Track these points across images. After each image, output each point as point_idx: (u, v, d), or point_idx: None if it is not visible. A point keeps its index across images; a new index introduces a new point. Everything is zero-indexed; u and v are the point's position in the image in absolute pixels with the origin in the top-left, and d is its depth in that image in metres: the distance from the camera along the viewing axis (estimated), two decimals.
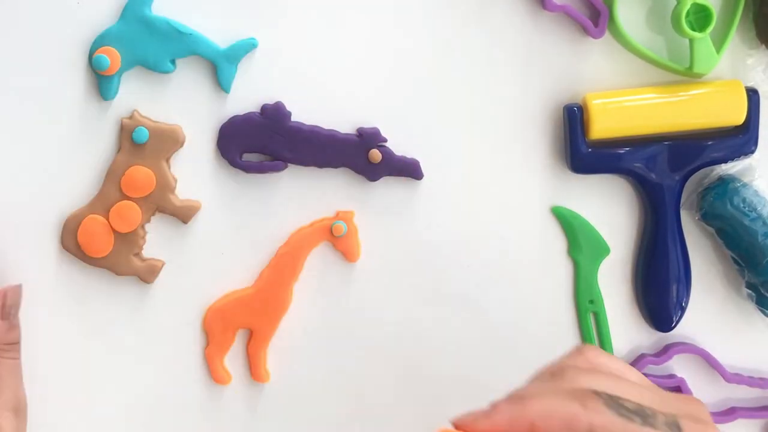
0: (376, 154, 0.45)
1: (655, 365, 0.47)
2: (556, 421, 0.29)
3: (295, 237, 0.46)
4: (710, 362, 0.47)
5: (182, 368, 0.47)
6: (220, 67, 0.44)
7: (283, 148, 0.45)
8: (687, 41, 0.44)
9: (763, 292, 0.45)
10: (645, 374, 0.47)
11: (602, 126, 0.44)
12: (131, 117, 0.45)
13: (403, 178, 0.46)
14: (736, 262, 0.46)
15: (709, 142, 0.45)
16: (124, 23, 0.44)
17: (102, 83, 0.44)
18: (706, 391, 0.47)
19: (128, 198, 0.45)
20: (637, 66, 0.46)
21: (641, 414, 0.29)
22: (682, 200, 0.46)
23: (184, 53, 0.44)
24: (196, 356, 0.47)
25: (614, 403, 0.29)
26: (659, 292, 0.46)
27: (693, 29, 0.43)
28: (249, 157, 0.46)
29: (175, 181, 0.45)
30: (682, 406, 0.30)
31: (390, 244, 0.46)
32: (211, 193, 0.46)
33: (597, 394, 0.30)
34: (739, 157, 0.45)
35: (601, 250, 0.47)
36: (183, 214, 0.46)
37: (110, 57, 0.43)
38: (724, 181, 0.45)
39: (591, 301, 0.47)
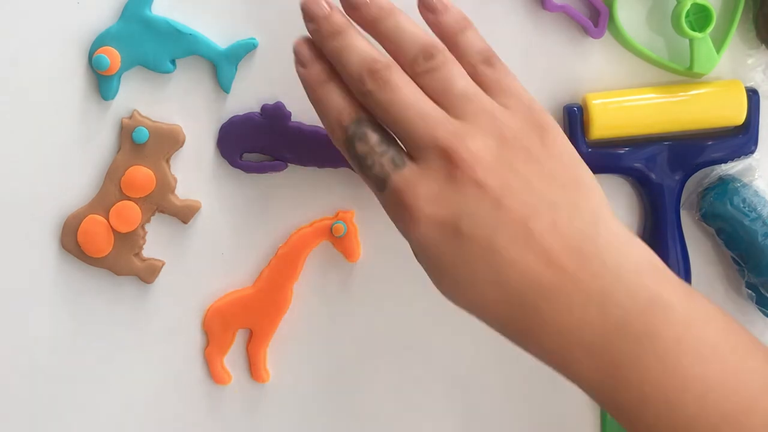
0: None
1: None
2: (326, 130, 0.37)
3: (295, 237, 0.46)
4: None
5: (182, 368, 0.47)
6: (220, 67, 0.44)
7: (283, 148, 0.45)
8: (687, 41, 0.44)
9: (763, 292, 0.45)
10: None
11: (602, 126, 0.44)
12: (131, 117, 0.45)
13: None
14: (736, 262, 0.46)
15: (709, 142, 0.45)
16: (124, 23, 0.44)
17: (102, 83, 0.44)
18: None
19: (128, 198, 0.45)
20: (637, 66, 0.46)
21: (362, 161, 0.35)
22: (682, 200, 0.46)
23: (184, 53, 0.44)
24: (196, 356, 0.47)
25: (350, 140, 0.36)
26: None
27: (693, 29, 0.43)
28: (249, 157, 0.46)
29: (175, 181, 0.45)
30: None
31: (390, 244, 0.46)
32: (211, 193, 0.46)
33: (350, 125, 0.36)
34: (739, 157, 0.45)
35: None
36: (183, 214, 0.46)
37: (110, 57, 0.43)
38: (724, 181, 0.45)
39: None
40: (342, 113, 0.36)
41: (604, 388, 0.34)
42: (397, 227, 0.36)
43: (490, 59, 0.37)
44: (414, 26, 0.37)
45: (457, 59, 0.37)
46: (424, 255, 0.35)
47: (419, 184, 0.34)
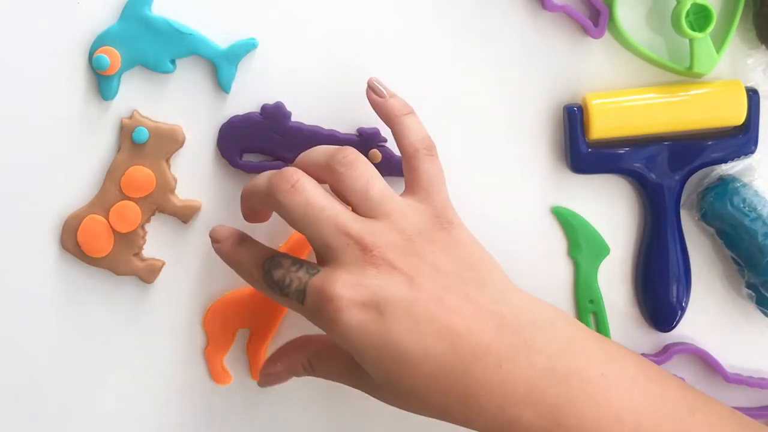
0: (376, 154, 0.45)
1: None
2: (244, 278, 0.40)
3: (295, 237, 0.46)
4: (710, 362, 0.47)
5: (182, 368, 0.47)
6: (220, 67, 0.44)
7: (283, 148, 0.45)
8: (687, 41, 0.44)
9: (763, 292, 0.45)
10: None
11: (602, 126, 0.44)
12: (131, 117, 0.45)
13: (403, 178, 0.46)
14: (736, 262, 0.46)
15: (709, 142, 0.45)
16: (124, 23, 0.44)
17: (102, 83, 0.44)
18: (706, 391, 0.47)
19: (128, 198, 0.45)
20: (637, 66, 0.46)
21: (280, 286, 0.37)
22: (682, 200, 0.46)
23: (184, 53, 0.44)
24: (196, 356, 0.47)
25: (267, 276, 0.38)
26: (659, 292, 0.46)
27: (693, 29, 0.43)
28: (249, 157, 0.46)
29: (175, 181, 0.45)
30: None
31: None
32: (211, 193, 0.46)
33: (265, 261, 0.38)
34: (739, 157, 0.45)
35: (601, 250, 0.47)
36: (183, 214, 0.46)
37: (110, 57, 0.43)
38: (724, 181, 0.45)
39: (591, 301, 0.47)
40: (257, 258, 0.39)
41: None
42: (324, 328, 0.37)
43: (430, 149, 0.40)
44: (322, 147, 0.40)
45: (400, 141, 0.40)
46: (354, 341, 0.36)
47: (337, 276, 0.36)
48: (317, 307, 0.36)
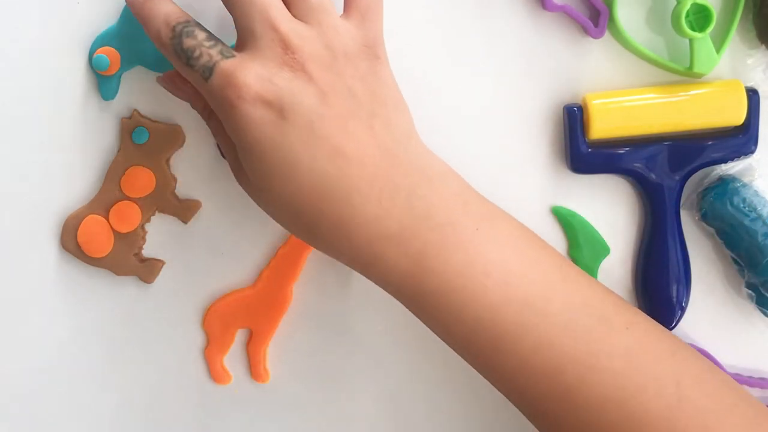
0: None
1: None
2: (151, 37, 0.38)
3: (295, 237, 0.46)
4: None
5: (182, 368, 0.47)
6: None
7: None
8: (687, 41, 0.44)
9: (763, 292, 0.45)
10: None
11: (602, 126, 0.44)
12: (131, 117, 0.45)
13: None
14: (736, 262, 0.46)
15: (709, 142, 0.45)
16: (124, 23, 0.44)
17: (102, 83, 0.44)
18: None
19: (128, 198, 0.45)
20: (637, 66, 0.46)
21: (188, 56, 0.36)
22: (682, 200, 0.46)
23: None
24: (196, 356, 0.47)
25: (177, 41, 0.36)
26: (659, 293, 0.46)
27: (693, 29, 0.43)
28: None
29: (175, 181, 0.45)
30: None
31: None
32: (211, 193, 0.46)
33: (177, 24, 0.36)
34: (739, 157, 0.45)
35: (601, 250, 0.47)
36: (183, 214, 0.46)
37: (110, 57, 0.43)
38: (724, 181, 0.45)
39: None
40: (170, 16, 0.37)
41: (410, 280, 0.36)
42: (220, 112, 0.36)
43: None
44: None
45: None
46: (244, 134, 0.35)
47: (250, 65, 0.35)
48: (220, 89, 0.35)
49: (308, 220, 0.36)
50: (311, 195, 0.35)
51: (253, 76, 0.35)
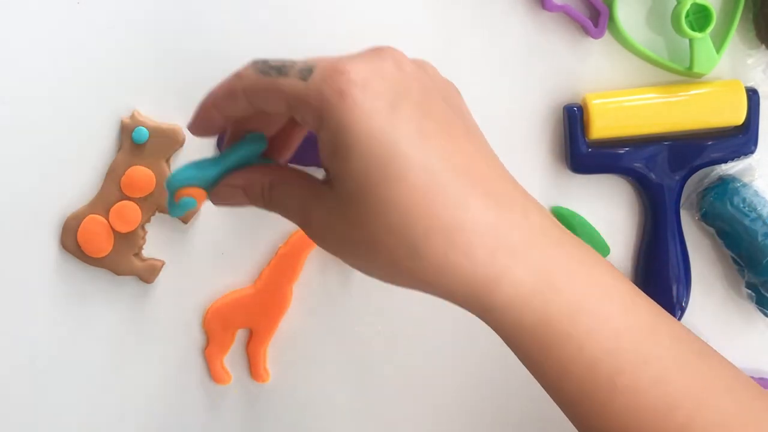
0: None
1: None
2: (221, 94, 0.34)
3: (295, 237, 0.46)
4: None
5: (182, 368, 0.47)
6: None
7: None
8: (687, 41, 0.44)
9: (763, 292, 0.45)
10: None
11: (602, 126, 0.44)
12: (131, 117, 0.45)
13: None
14: (736, 262, 0.46)
15: (709, 142, 0.45)
16: (205, 165, 0.37)
17: (174, 206, 0.36)
18: None
19: (128, 198, 0.45)
20: (637, 66, 0.46)
21: (279, 68, 0.32)
22: (682, 200, 0.46)
23: None
24: (196, 356, 0.47)
25: (261, 64, 0.33)
26: (659, 293, 0.46)
27: (693, 29, 0.43)
28: None
29: None
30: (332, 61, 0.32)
31: None
32: None
33: (254, 62, 0.33)
34: (739, 157, 0.45)
35: (601, 249, 0.47)
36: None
37: (196, 196, 0.36)
38: (724, 181, 0.45)
39: None
40: (249, 64, 0.34)
41: (536, 300, 0.31)
42: (323, 111, 0.31)
43: None
44: None
45: None
46: (354, 124, 0.30)
47: (353, 59, 0.32)
48: (324, 81, 0.31)
49: (417, 230, 0.31)
50: (425, 198, 0.30)
51: (359, 63, 0.31)
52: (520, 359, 0.34)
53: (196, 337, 0.47)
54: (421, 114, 0.31)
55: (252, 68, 0.33)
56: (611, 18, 0.44)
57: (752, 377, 0.47)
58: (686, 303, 0.46)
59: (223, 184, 0.36)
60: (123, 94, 0.45)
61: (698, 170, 0.46)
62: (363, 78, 0.31)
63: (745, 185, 0.45)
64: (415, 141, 0.31)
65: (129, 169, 0.45)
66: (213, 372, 0.47)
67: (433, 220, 0.30)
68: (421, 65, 0.35)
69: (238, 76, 0.33)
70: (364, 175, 0.31)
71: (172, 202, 0.36)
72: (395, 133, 0.30)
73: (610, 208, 0.47)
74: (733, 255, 0.46)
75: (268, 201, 0.35)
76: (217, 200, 0.36)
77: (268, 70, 0.33)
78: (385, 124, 0.30)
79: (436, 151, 0.31)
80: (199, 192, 0.36)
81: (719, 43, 0.44)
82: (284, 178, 0.35)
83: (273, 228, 0.46)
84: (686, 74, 0.45)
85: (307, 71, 0.32)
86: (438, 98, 0.33)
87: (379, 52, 0.32)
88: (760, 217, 0.44)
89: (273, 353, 0.47)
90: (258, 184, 0.35)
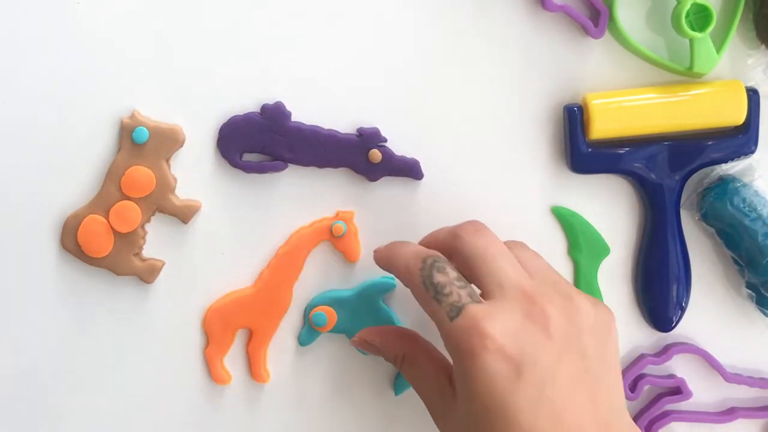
0: (376, 154, 0.45)
1: (655, 365, 0.47)
2: (398, 271, 0.39)
3: (295, 237, 0.46)
4: (710, 362, 0.47)
5: (182, 368, 0.47)
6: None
7: (283, 148, 0.45)
8: (687, 41, 0.44)
9: (763, 292, 0.45)
10: (644, 374, 0.47)
11: (602, 126, 0.44)
12: (131, 117, 0.45)
13: (403, 178, 0.46)
14: (736, 262, 0.46)
15: (709, 142, 0.45)
16: (355, 296, 0.46)
17: (307, 334, 0.46)
18: (706, 391, 0.47)
19: (128, 198, 0.45)
20: (637, 66, 0.46)
21: (437, 290, 0.36)
22: (682, 200, 0.46)
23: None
24: (196, 356, 0.47)
25: (427, 273, 0.37)
26: (659, 292, 0.46)
27: (693, 29, 0.43)
28: (249, 157, 0.46)
29: (175, 181, 0.45)
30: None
31: None
32: (211, 193, 0.46)
33: (427, 257, 0.38)
34: (739, 157, 0.45)
35: (601, 250, 0.47)
36: (183, 214, 0.46)
37: (329, 316, 0.45)
38: (724, 181, 0.45)
39: None
40: (420, 251, 0.38)
41: None
42: (456, 354, 0.36)
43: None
44: None
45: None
46: (475, 385, 0.35)
47: (497, 315, 0.35)
48: (464, 333, 0.35)
49: None
50: None
51: (499, 326, 0.35)
52: None
53: (196, 337, 0.47)
54: (546, 376, 0.35)
55: (420, 269, 0.37)
56: (611, 18, 0.44)
57: (752, 377, 0.47)
58: (686, 303, 0.46)
59: (362, 338, 0.43)
60: (123, 94, 0.45)
61: (698, 170, 0.46)
62: (498, 345, 0.34)
63: (745, 185, 0.45)
64: (530, 405, 0.34)
65: (129, 169, 0.45)
66: (213, 372, 0.47)
67: None
68: (574, 311, 0.37)
69: (408, 269, 0.38)
70: (474, 425, 0.35)
71: (306, 326, 0.46)
72: (512, 398, 0.34)
73: (610, 208, 0.47)
74: (733, 255, 0.46)
75: (398, 366, 0.41)
76: (356, 345, 0.44)
77: (429, 285, 0.37)
78: (505, 389, 0.34)
79: (546, 415, 0.34)
80: (331, 311, 0.45)
81: (719, 43, 0.44)
82: (415, 354, 0.41)
83: (273, 228, 0.46)
84: (686, 74, 0.45)
85: (455, 312, 0.36)
86: (576, 349, 0.36)
87: (532, 305, 0.36)
88: (760, 217, 0.44)
89: (273, 353, 0.47)
90: (392, 351, 0.42)
